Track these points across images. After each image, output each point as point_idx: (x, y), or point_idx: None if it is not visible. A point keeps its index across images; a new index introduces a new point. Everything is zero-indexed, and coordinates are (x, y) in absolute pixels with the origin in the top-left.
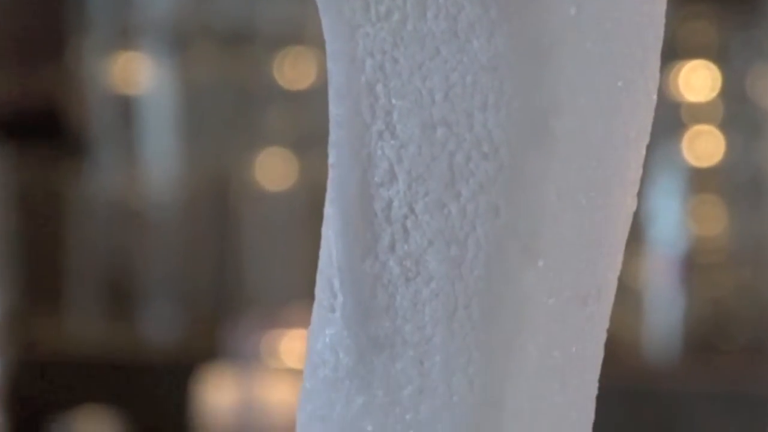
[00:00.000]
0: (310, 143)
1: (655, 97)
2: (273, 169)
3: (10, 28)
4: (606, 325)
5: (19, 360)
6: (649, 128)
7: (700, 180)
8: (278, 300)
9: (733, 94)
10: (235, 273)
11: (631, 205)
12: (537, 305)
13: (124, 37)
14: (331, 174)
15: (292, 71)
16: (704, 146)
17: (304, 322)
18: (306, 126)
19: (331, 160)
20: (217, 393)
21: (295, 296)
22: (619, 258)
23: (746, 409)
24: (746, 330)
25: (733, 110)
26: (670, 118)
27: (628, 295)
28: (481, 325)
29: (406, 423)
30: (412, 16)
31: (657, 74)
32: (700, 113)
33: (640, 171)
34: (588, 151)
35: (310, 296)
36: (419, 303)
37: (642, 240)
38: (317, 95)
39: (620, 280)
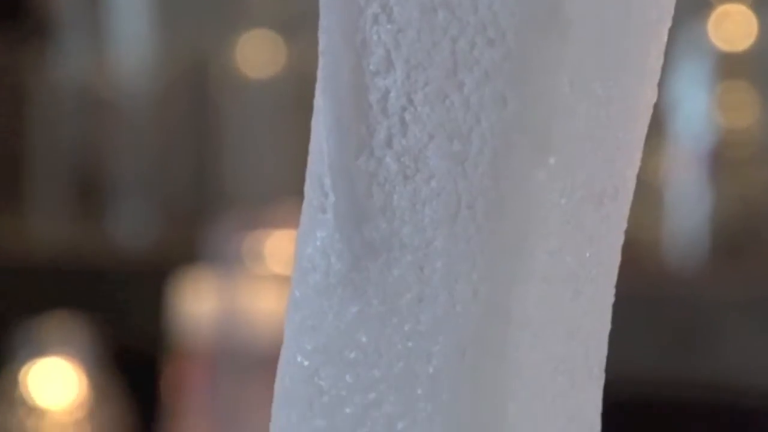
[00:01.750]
0: (298, 25)
1: None
2: (257, 54)
3: None
4: (623, 226)
5: None
6: (671, 9)
7: (728, 66)
8: (262, 198)
9: None
10: (215, 168)
11: (652, 95)
12: (548, 206)
13: None
14: (322, 61)
15: None
16: (734, 28)
17: (292, 223)
18: (294, 5)
19: (321, 46)
20: (196, 300)
21: (282, 194)
22: (638, 153)
23: None
24: None
25: None
26: None
27: (648, 193)
28: (486, 227)
29: (405, 334)
30: None
31: None
32: None
33: (662, 58)
34: (604, 36)
35: (298, 194)
36: (418, 203)
37: (664, 133)
38: None
39: (639, 177)
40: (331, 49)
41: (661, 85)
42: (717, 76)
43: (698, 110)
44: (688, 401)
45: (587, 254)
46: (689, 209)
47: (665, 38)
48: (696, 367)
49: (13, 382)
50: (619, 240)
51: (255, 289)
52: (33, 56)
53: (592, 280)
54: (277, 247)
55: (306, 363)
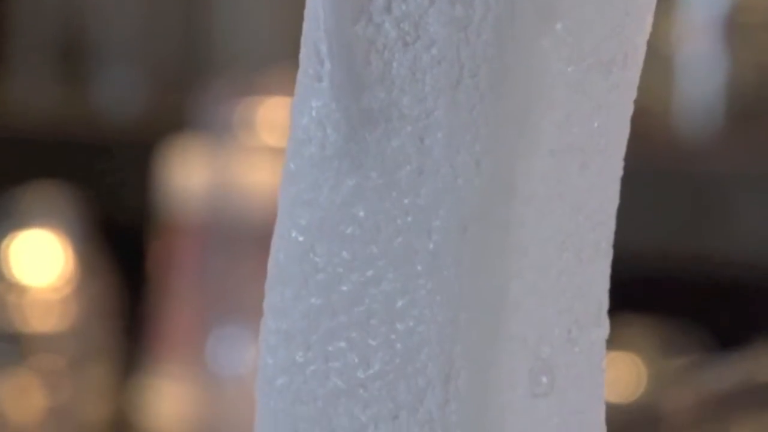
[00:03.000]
0: None
1: None
2: None
3: None
4: (633, 96)
5: None
6: None
7: None
8: (255, 63)
9: None
10: (206, 31)
11: None
12: (554, 74)
13: None
14: None
15: None
16: None
17: (286, 90)
18: None
19: None
20: (185, 171)
21: (276, 59)
22: (649, 18)
23: None
24: None
25: None
26: None
27: (659, 61)
28: (489, 96)
29: (404, 208)
30: None
31: None
32: None
33: None
34: None
35: (293, 58)
36: (419, 71)
37: None
38: None
39: (650, 44)
40: None
41: None
42: None
43: None
44: (699, 277)
45: (595, 125)
46: (702, 77)
47: None
48: (708, 242)
49: None
50: (629, 110)
51: (247, 160)
52: None
53: (599, 152)
54: (271, 116)
55: (301, 239)
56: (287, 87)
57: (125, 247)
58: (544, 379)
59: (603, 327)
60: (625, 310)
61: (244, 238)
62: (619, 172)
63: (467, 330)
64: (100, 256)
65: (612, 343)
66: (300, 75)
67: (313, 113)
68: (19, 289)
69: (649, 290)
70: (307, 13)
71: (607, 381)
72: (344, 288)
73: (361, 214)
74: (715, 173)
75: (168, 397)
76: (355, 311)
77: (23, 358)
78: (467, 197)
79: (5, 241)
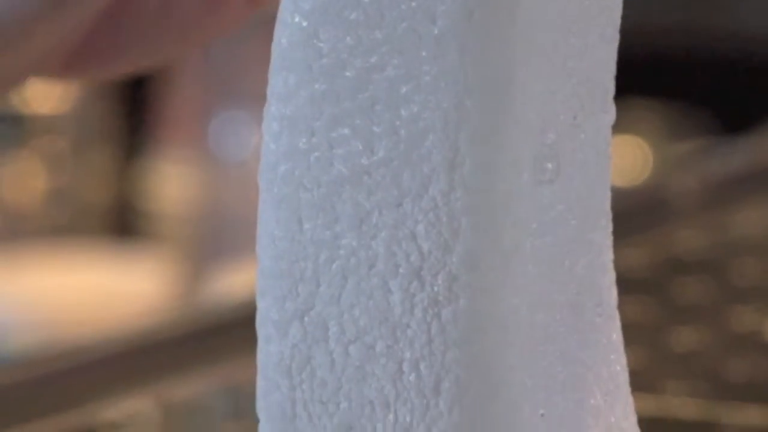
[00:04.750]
0: None
1: None
2: None
3: None
4: None
5: None
6: None
7: None
8: None
9: None
10: None
11: None
12: None
13: None
14: None
15: None
16: None
17: None
18: None
19: None
20: None
21: None
22: None
23: None
24: None
25: None
26: None
27: None
28: None
29: None
30: None
31: None
32: None
33: None
34: None
35: None
36: None
37: None
38: None
39: None
40: None
41: None
42: None
43: None
44: (705, 58)
45: None
46: None
47: None
48: (715, 20)
49: None
50: None
51: None
52: None
53: None
54: None
55: (304, 24)
56: None
57: None
58: (549, 166)
59: (609, 113)
60: (632, 93)
61: (248, 20)
62: None
63: (472, 116)
64: None
65: (618, 127)
66: None
67: None
68: None
69: (655, 73)
70: None
71: (613, 165)
72: (348, 74)
73: None
74: None
75: (170, 180)
76: (359, 97)
77: (24, 140)
78: None
79: None
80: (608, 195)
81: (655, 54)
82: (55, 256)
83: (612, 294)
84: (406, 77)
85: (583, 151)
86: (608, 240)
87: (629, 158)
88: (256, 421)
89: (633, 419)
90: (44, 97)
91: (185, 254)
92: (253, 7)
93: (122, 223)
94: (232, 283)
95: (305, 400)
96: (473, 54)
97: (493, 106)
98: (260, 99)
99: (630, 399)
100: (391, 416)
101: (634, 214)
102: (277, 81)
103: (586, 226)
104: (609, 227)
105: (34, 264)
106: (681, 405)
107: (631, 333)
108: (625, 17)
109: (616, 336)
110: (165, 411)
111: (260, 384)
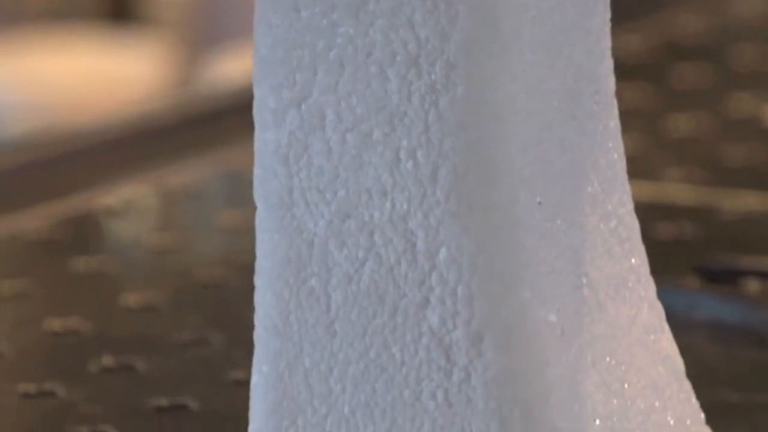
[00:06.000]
0: None
1: None
2: None
3: None
4: None
5: None
6: None
7: None
8: None
9: None
10: None
11: None
12: None
13: None
14: None
15: None
16: None
17: None
18: None
19: None
20: None
21: None
22: None
23: None
24: None
25: None
26: None
27: None
28: None
29: None
30: None
31: None
32: None
33: None
34: None
35: None
36: None
37: None
38: None
39: None
40: None
41: None
42: None
43: None
44: None
45: None
46: None
47: None
48: None
49: None
50: None
51: None
52: None
53: None
54: None
55: None
56: None
57: None
58: None
59: None
60: None
61: None
62: None
63: None
64: None
65: None
66: None
67: None
68: None
69: None
70: None
71: None
72: None
73: None
74: None
75: None
76: None
77: None
78: None
79: None
80: None
81: None
82: (53, 41)
83: (610, 81)
84: None
85: None
86: (606, 27)
87: None
88: (254, 208)
89: (630, 206)
90: None
91: (183, 39)
92: None
93: (120, 6)
94: (229, 68)
95: (303, 188)
96: None
97: None
98: None
99: (627, 186)
100: (388, 204)
101: None
102: None
103: (584, 12)
104: (607, 13)
105: (31, 48)
106: (678, 191)
107: (628, 119)
108: None
109: (614, 124)
110: (163, 197)
111: (257, 172)
